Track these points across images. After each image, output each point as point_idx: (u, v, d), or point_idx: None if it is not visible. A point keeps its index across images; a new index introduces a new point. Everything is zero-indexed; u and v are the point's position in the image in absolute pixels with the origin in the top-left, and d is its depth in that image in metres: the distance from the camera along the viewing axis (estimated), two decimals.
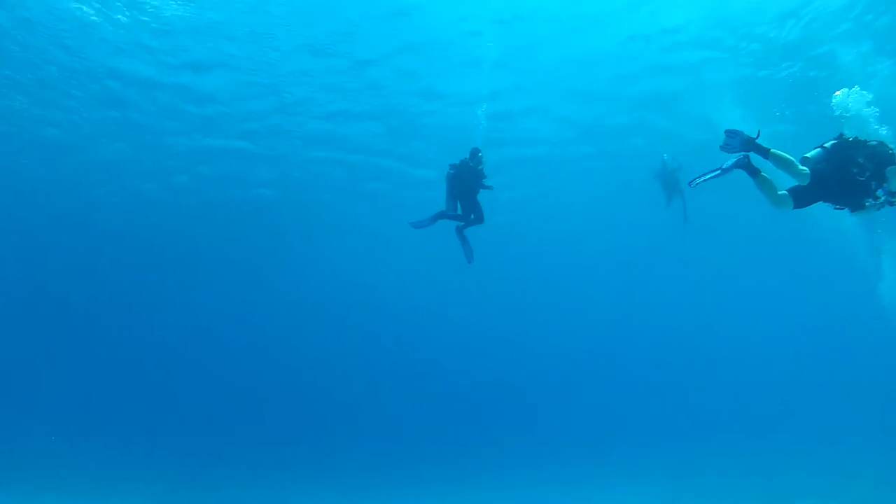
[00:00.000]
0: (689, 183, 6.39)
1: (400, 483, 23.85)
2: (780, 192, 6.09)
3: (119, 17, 14.21)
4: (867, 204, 5.84)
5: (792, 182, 6.04)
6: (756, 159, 5.95)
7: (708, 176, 6.16)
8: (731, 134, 5.84)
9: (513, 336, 41.62)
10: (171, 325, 37.02)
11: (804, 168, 5.80)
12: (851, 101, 6.35)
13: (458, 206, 10.84)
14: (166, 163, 22.06)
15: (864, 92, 6.33)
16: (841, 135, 6.04)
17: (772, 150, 5.70)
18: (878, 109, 6.20)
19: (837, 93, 6.43)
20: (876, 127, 6.17)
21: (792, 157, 5.76)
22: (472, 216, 10.92)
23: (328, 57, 16.06)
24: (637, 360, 41.32)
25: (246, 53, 15.87)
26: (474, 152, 10.59)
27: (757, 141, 5.73)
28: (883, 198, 5.80)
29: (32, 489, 16.98)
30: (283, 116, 19.34)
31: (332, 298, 36.68)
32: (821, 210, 6.41)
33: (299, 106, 18.68)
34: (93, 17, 14.28)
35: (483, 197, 10.90)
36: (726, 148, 5.89)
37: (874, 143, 5.85)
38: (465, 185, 10.66)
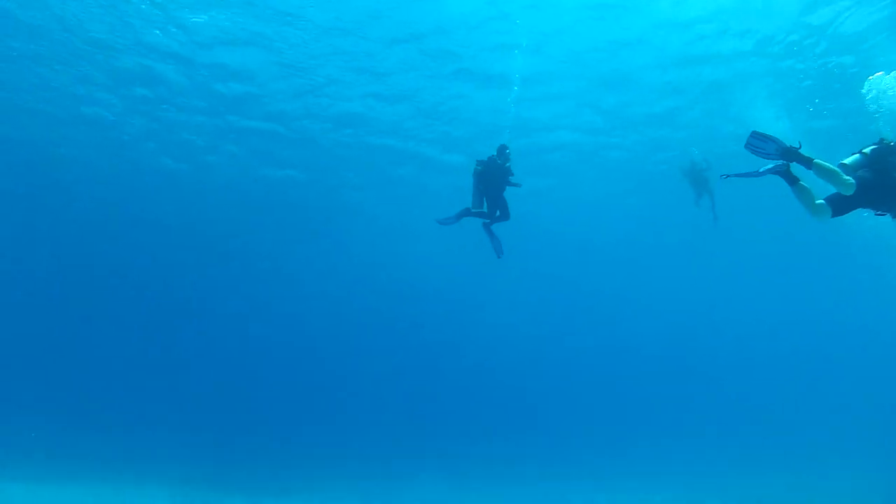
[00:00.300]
0: (721, 176, 6.39)
1: (406, 478, 23.97)
2: (818, 202, 5.90)
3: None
4: None
5: (829, 189, 5.85)
6: (796, 169, 5.81)
7: (741, 174, 6.09)
8: (760, 137, 5.76)
9: (534, 330, 41.61)
10: (187, 307, 37.51)
11: (849, 178, 5.61)
12: (886, 88, 6.16)
13: (485, 202, 10.87)
14: (196, 142, 22.27)
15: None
16: (881, 140, 5.88)
17: (815, 161, 5.57)
18: None
19: (871, 77, 6.24)
20: None
21: (836, 168, 5.62)
22: (499, 213, 10.98)
23: (357, 39, 15.98)
24: (657, 358, 41.15)
25: (275, 33, 15.84)
26: (502, 149, 10.58)
27: (800, 151, 5.62)
28: None
29: (31, 483, 17.04)
30: (312, 98, 19.33)
31: (350, 286, 36.84)
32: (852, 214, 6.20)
33: (327, 87, 18.64)
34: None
35: (508, 191, 10.93)
36: (752, 149, 5.84)
37: None
38: (493, 182, 10.69)
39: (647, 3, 14.31)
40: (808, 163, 5.58)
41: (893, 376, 31.82)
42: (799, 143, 5.67)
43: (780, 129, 18.10)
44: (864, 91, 6.66)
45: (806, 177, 5.85)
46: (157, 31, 15.82)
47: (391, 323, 40.53)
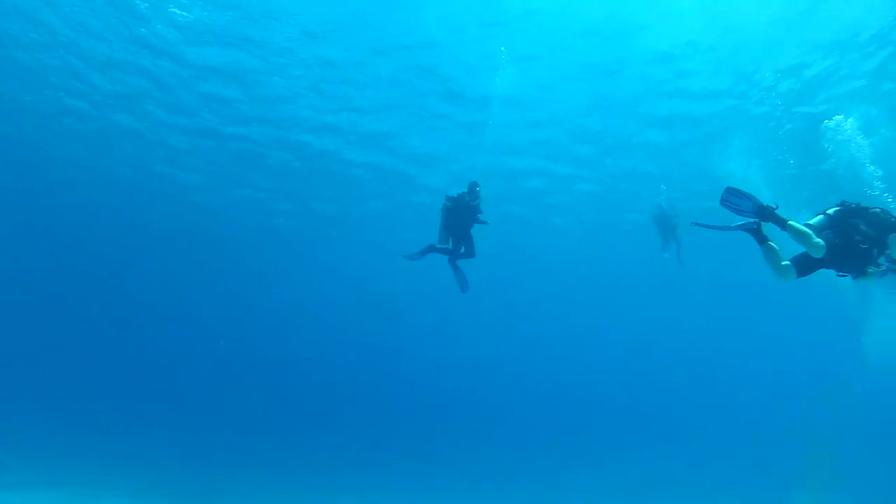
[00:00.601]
0: (693, 223, 6.42)
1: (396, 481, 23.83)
2: (783, 263, 5.91)
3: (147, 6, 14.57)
4: (870, 271, 5.73)
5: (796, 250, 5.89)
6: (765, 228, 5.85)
7: (712, 226, 6.16)
8: (735, 193, 5.74)
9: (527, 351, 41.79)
10: (172, 314, 37.12)
11: (819, 240, 5.59)
12: (844, 133, 6.19)
13: (451, 238, 10.78)
14: (178, 146, 22.18)
15: (852, 121, 6.13)
16: (844, 202, 5.97)
17: (789, 223, 5.58)
18: (867, 144, 6.02)
19: (828, 121, 6.26)
20: (870, 166, 6.04)
21: (809, 230, 5.61)
22: (463, 249, 10.89)
23: (341, 50, 16.01)
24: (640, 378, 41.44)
25: (262, 38, 15.80)
26: (472, 187, 10.56)
27: (776, 212, 5.62)
28: (885, 265, 5.71)
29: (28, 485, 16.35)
30: (293, 109, 19.34)
31: (328, 296, 36.64)
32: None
33: (307, 99, 18.66)
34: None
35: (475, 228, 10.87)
36: (727, 205, 5.81)
37: (877, 209, 5.79)
38: (460, 219, 10.62)
39: (630, 35, 14.60)
40: (782, 224, 5.59)
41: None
42: (775, 203, 5.68)
43: (752, 176, 18.56)
44: (822, 132, 6.77)
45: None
46: (143, 29, 15.76)
47: (378, 332, 40.52)
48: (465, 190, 10.60)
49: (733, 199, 5.77)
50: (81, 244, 30.88)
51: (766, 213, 5.67)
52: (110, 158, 23.30)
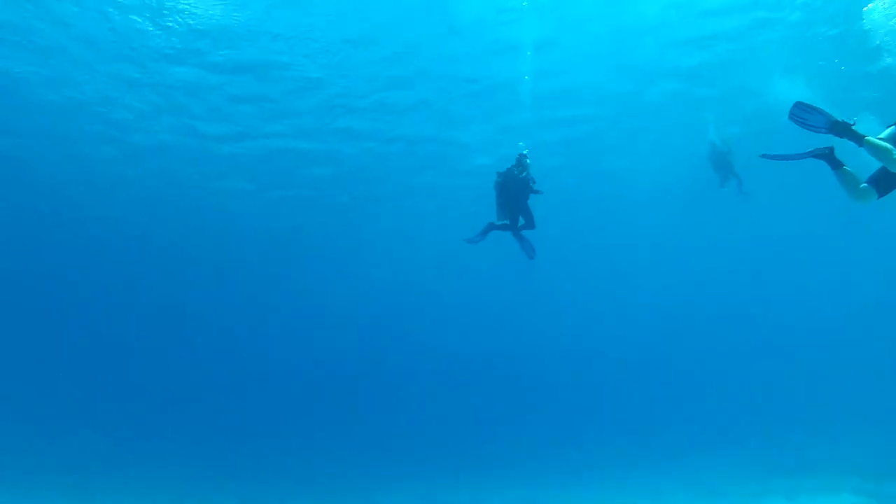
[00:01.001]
0: (761, 155, 6.14)
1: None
2: (862, 185, 5.52)
3: (169, 23, 14.67)
4: None
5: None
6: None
7: (782, 156, 5.84)
8: (804, 108, 5.36)
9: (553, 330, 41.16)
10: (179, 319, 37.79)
11: None
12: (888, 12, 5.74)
13: (508, 213, 10.83)
14: (217, 166, 22.58)
15: None
16: None
17: (867, 138, 5.18)
18: None
19: (868, 7, 5.84)
20: None
21: (889, 145, 5.15)
22: (523, 222, 10.95)
23: (364, 28, 15.87)
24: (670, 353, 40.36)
25: (288, 47, 16.01)
26: (521, 159, 10.54)
27: (852, 127, 5.24)
28: None
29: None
30: (329, 109, 19.43)
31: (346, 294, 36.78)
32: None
33: (342, 98, 18.70)
34: (149, 28, 14.82)
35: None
36: (797, 121, 5.43)
37: None
38: (513, 193, 10.64)
39: None
40: (859, 140, 5.21)
41: None
42: (853, 119, 5.29)
43: (799, 89, 17.81)
44: (864, 24, 6.29)
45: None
46: (174, 58, 16.06)
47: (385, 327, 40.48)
48: (514, 163, 10.59)
49: (803, 114, 5.39)
50: (129, 257, 31.55)
51: (840, 129, 5.30)
52: (159, 181, 23.81)
